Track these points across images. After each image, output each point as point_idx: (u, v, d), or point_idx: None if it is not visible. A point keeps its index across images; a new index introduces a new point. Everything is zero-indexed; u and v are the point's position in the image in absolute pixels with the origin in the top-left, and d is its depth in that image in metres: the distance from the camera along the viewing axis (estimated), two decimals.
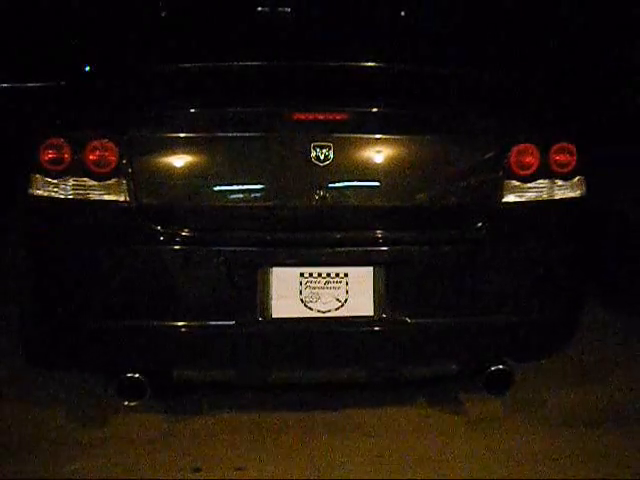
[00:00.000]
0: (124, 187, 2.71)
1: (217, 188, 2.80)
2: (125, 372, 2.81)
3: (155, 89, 3.01)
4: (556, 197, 2.90)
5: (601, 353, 3.91)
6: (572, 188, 2.91)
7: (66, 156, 2.70)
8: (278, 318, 2.79)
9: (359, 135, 2.80)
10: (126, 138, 2.72)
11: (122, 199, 2.72)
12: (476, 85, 3.27)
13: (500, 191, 2.85)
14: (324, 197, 2.76)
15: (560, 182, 2.89)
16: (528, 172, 2.85)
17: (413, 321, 2.84)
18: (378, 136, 2.81)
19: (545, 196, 2.88)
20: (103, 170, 2.70)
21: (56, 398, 3.32)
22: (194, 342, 2.83)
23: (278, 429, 3.13)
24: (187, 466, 2.88)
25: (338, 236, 2.80)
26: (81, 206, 2.73)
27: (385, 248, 2.83)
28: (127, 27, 3.64)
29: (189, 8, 3.68)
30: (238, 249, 2.77)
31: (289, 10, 3.67)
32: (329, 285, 2.80)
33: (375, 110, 2.86)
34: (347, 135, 2.78)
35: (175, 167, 2.75)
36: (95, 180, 2.71)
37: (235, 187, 2.82)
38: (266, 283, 2.78)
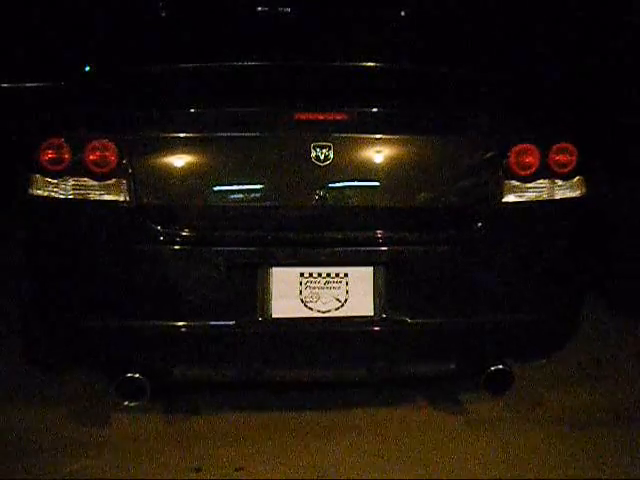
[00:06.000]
0: (124, 187, 2.71)
1: (217, 188, 2.80)
2: (125, 372, 2.81)
3: (155, 89, 3.01)
4: (556, 197, 2.90)
5: (601, 353, 3.92)
6: (572, 188, 2.92)
7: (66, 156, 2.70)
8: (278, 318, 2.79)
9: (359, 135, 2.80)
10: (126, 138, 2.72)
11: (122, 199, 2.72)
12: (476, 85, 3.27)
13: (500, 191, 2.85)
14: (324, 197, 2.76)
15: (560, 182, 2.89)
16: (528, 172, 2.85)
17: (413, 321, 2.84)
18: (378, 136, 2.81)
19: (545, 196, 2.89)
20: (103, 170, 2.70)
21: (56, 398, 3.33)
22: (194, 342, 2.83)
23: (278, 429, 3.13)
24: (187, 466, 2.89)
25: (338, 236, 2.80)
26: (81, 206, 2.73)
27: (385, 248, 2.83)
28: (127, 27, 3.64)
29: (189, 8, 3.68)
30: (238, 249, 2.77)
31: (289, 10, 3.67)
32: (329, 285, 2.80)
33: (375, 110, 2.86)
34: (347, 135, 2.78)
35: (175, 167, 2.75)
36: (95, 180, 2.71)
37: (235, 187, 2.82)
38: (266, 283, 2.78)
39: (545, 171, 2.87)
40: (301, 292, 2.79)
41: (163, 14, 3.67)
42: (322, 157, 2.74)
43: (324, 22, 3.63)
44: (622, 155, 5.07)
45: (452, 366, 3.00)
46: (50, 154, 2.70)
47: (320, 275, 2.80)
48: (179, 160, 2.76)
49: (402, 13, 3.84)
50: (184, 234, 2.75)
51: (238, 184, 2.81)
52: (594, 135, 4.38)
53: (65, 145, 2.70)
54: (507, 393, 3.07)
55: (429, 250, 2.83)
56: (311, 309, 2.80)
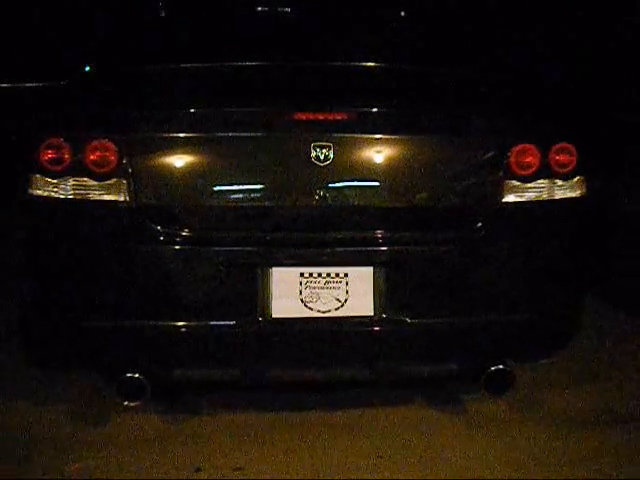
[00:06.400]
0: (124, 187, 2.71)
1: (217, 188, 2.80)
2: (125, 372, 2.81)
3: (155, 89, 3.01)
4: (556, 197, 2.90)
5: (601, 353, 3.92)
6: (572, 188, 2.92)
7: (66, 156, 2.70)
8: (278, 318, 2.79)
9: (359, 135, 2.80)
10: (126, 138, 2.72)
11: (122, 199, 2.72)
12: (476, 85, 3.27)
13: (500, 191, 2.85)
14: (324, 197, 2.76)
15: (560, 182, 2.90)
16: (528, 172, 2.85)
17: (413, 321, 2.84)
18: (378, 136, 2.81)
19: (545, 196, 2.89)
20: (103, 170, 2.70)
21: (56, 398, 3.33)
22: (194, 342, 2.83)
23: (278, 429, 3.13)
24: (187, 466, 2.89)
25: (338, 236, 2.80)
26: (81, 206, 2.73)
27: (385, 248, 2.83)
28: (127, 27, 3.64)
29: (189, 8, 3.68)
30: (238, 249, 2.77)
31: (289, 10, 3.67)
32: (329, 285, 2.80)
33: (375, 110, 2.85)
34: (347, 135, 2.78)
35: (175, 167, 2.75)
36: (95, 180, 2.71)
37: (235, 187, 2.82)
38: (266, 283, 2.78)
39: (545, 171, 2.87)
40: (301, 292, 2.79)
41: (163, 14, 3.67)
42: (322, 157, 2.73)
43: (324, 22, 3.63)
44: (621, 153, 5.08)
45: (452, 366, 3.00)
46: (50, 154, 2.70)
47: (320, 275, 2.80)
48: (179, 160, 2.76)
49: (402, 13, 3.84)
50: (184, 234, 2.75)
51: (238, 184, 2.81)
52: (594, 133, 4.38)
53: (65, 145, 2.70)
54: (507, 393, 3.07)
55: (429, 250, 2.83)
56: (311, 309, 2.80)
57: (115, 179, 2.71)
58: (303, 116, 2.76)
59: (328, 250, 2.80)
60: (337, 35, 3.47)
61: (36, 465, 2.87)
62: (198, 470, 2.87)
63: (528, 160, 2.85)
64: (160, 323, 2.79)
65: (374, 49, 3.41)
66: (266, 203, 2.81)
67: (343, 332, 2.85)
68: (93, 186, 2.71)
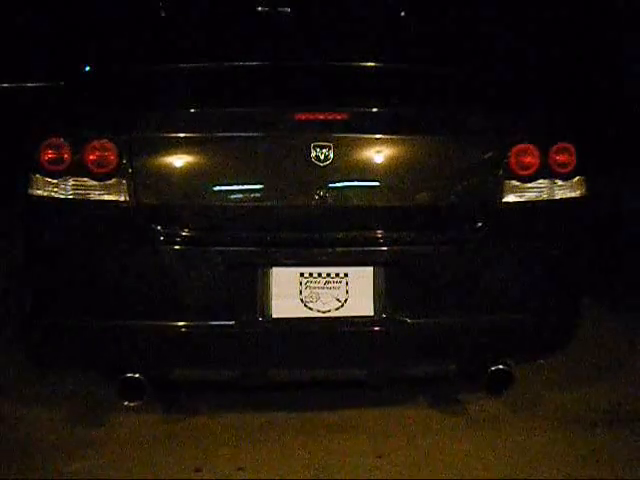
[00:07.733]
0: (124, 187, 2.71)
1: (217, 188, 2.80)
2: (125, 372, 2.81)
3: (155, 89, 3.01)
4: (556, 197, 2.90)
5: (601, 353, 3.91)
6: (572, 188, 2.92)
7: (66, 156, 2.70)
8: (278, 318, 2.79)
9: (359, 135, 2.80)
10: (126, 138, 2.71)
11: (122, 199, 2.72)
12: (476, 85, 3.27)
13: (500, 191, 2.85)
14: (324, 197, 2.76)
15: (560, 182, 2.89)
16: (528, 172, 2.85)
17: (413, 321, 2.84)
18: (378, 136, 2.81)
19: (545, 196, 2.89)
20: (103, 170, 2.70)
21: (56, 398, 3.32)
22: (194, 342, 2.83)
23: (278, 429, 3.13)
24: (187, 466, 2.88)
25: (338, 236, 2.80)
26: (81, 206, 2.73)
27: (385, 248, 2.82)
28: (127, 27, 3.64)
29: (189, 8, 3.68)
30: (238, 249, 2.77)
31: (289, 10, 3.67)
32: (329, 285, 2.80)
33: (375, 110, 2.86)
34: (347, 135, 2.78)
35: (175, 167, 2.75)
36: (95, 180, 2.71)
37: (235, 187, 2.82)
38: (266, 283, 2.78)
39: (545, 171, 2.87)
40: (301, 292, 2.79)
41: (163, 14, 3.67)
42: (322, 157, 2.73)
43: (324, 22, 3.63)
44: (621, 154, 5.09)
45: (452, 366, 3.00)
46: (50, 154, 2.70)
47: (320, 275, 2.80)
48: (179, 160, 2.76)
49: (402, 13, 3.84)
50: (184, 234, 2.75)
51: (238, 184, 2.81)
52: (595, 133, 4.39)
53: (65, 145, 2.70)
54: (507, 393, 3.07)
55: (429, 250, 2.83)
56: (311, 309, 2.80)
57: (115, 179, 2.71)
58: (303, 116, 2.76)
59: (328, 250, 2.79)
60: (337, 35, 3.47)
61: (36, 465, 2.87)
62: (198, 470, 2.87)
63: (528, 160, 2.85)
64: (160, 323, 2.79)
65: (374, 49, 3.41)
66: (266, 203, 2.80)
67: (343, 332, 2.85)
68: (93, 186, 2.71)
